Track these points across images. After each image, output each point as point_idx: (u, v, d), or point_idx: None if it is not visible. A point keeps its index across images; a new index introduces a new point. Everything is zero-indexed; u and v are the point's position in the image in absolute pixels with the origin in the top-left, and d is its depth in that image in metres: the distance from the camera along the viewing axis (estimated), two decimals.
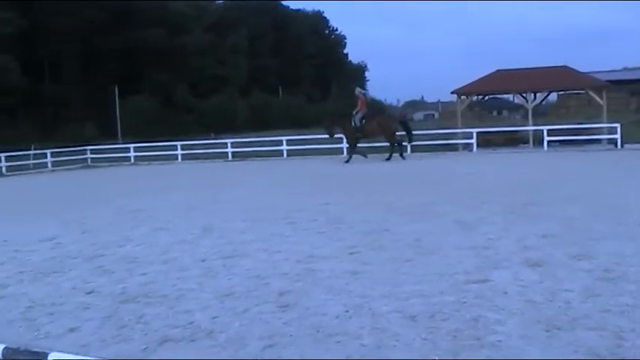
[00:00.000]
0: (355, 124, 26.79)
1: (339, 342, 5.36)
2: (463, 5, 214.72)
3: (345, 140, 28.77)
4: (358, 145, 27.51)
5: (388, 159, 26.52)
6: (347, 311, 6.14)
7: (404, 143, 27.84)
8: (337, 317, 5.99)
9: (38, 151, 34.97)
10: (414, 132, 28.49)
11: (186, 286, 7.39)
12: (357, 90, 28.10)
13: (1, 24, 65.31)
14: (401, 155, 26.92)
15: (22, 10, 68.93)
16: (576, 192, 13.97)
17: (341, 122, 27.84)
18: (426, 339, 5.30)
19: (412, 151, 29.79)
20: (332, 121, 28.34)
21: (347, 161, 26.54)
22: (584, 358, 4.81)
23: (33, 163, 33.71)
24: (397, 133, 27.45)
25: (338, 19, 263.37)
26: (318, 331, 5.63)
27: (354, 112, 27.15)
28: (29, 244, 10.80)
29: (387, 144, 27.40)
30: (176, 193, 18.32)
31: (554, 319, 5.63)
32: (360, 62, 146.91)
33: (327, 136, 28.67)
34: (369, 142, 28.51)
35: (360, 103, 27.39)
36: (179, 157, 34.69)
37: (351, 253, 8.64)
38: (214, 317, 6.19)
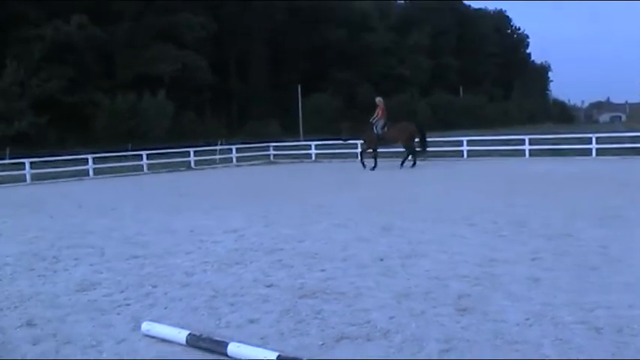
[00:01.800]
0: (377, 131, 26.65)
1: (518, 350, 5.18)
2: None
3: (361, 147, 29.06)
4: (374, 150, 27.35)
5: (402, 165, 26.71)
6: (527, 319, 5.93)
7: (417, 149, 27.42)
8: (517, 324, 5.79)
9: (224, 147, 36.36)
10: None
11: (364, 284, 7.39)
12: (378, 99, 27.60)
13: (196, 28, 68.66)
14: (414, 161, 26.76)
15: (212, 14, 72.15)
16: None
17: (362, 129, 27.60)
18: (613, 354, 5.02)
19: (597, 154, 28.64)
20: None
21: (373, 168, 26.56)
22: None
23: (219, 158, 35.10)
24: (415, 140, 27.20)
25: (521, 17, 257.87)
26: (497, 338, 5.47)
27: (373, 120, 26.95)
28: (214, 235, 11.23)
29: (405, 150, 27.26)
30: (356, 190, 18.49)
31: None
32: (543, 62, 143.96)
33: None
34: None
35: (380, 111, 26.98)
36: (359, 155, 34.87)
37: (533, 259, 8.35)
38: (391, 317, 6.15)
